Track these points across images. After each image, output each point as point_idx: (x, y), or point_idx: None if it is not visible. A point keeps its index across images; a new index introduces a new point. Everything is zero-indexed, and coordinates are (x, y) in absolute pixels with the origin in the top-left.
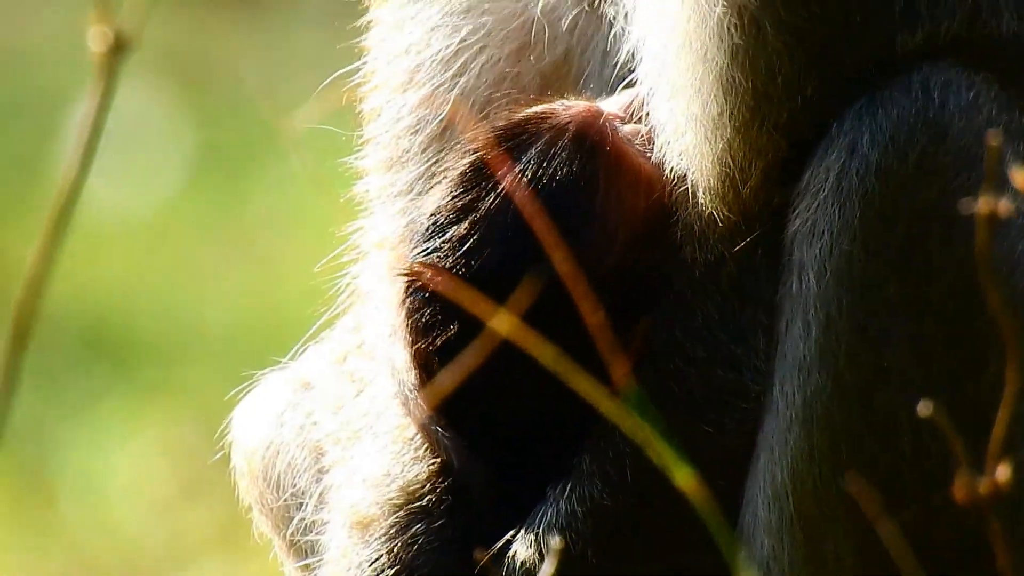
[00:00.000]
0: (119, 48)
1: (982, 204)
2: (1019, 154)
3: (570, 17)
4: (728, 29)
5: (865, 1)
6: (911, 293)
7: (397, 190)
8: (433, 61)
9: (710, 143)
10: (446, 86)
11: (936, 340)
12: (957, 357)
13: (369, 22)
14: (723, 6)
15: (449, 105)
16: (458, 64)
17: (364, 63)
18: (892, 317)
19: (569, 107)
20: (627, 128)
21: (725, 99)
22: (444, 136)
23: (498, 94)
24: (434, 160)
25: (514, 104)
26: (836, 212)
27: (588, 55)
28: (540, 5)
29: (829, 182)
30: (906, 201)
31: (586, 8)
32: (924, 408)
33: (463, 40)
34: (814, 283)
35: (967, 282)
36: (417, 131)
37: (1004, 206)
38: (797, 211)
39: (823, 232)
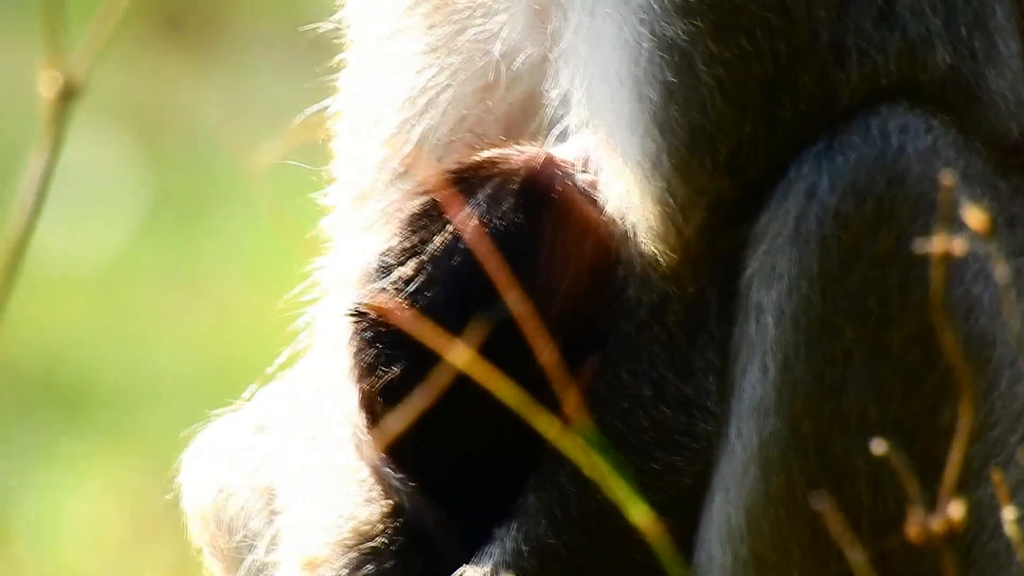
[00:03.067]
0: (69, 93)
1: (936, 244)
2: (976, 198)
3: (529, 58)
4: (659, 65)
5: (791, 37)
6: (869, 338)
7: (360, 227)
8: (399, 99)
9: (649, 182)
10: (411, 123)
11: (894, 385)
12: (915, 402)
13: (323, 66)
14: (652, 42)
15: (412, 144)
16: (423, 102)
17: (325, 105)
18: (850, 362)
19: (521, 152)
20: (579, 175)
21: (661, 137)
22: (408, 174)
23: (462, 132)
24: (397, 197)
25: (470, 148)
26: (794, 256)
27: (551, 97)
28: (500, 47)
29: (787, 226)
30: (864, 246)
31: (546, 50)
32: (878, 446)
33: (429, 79)
34: (772, 327)
35: (925, 327)
36: (381, 168)
37: (959, 246)
38: (755, 254)
39: (782, 276)
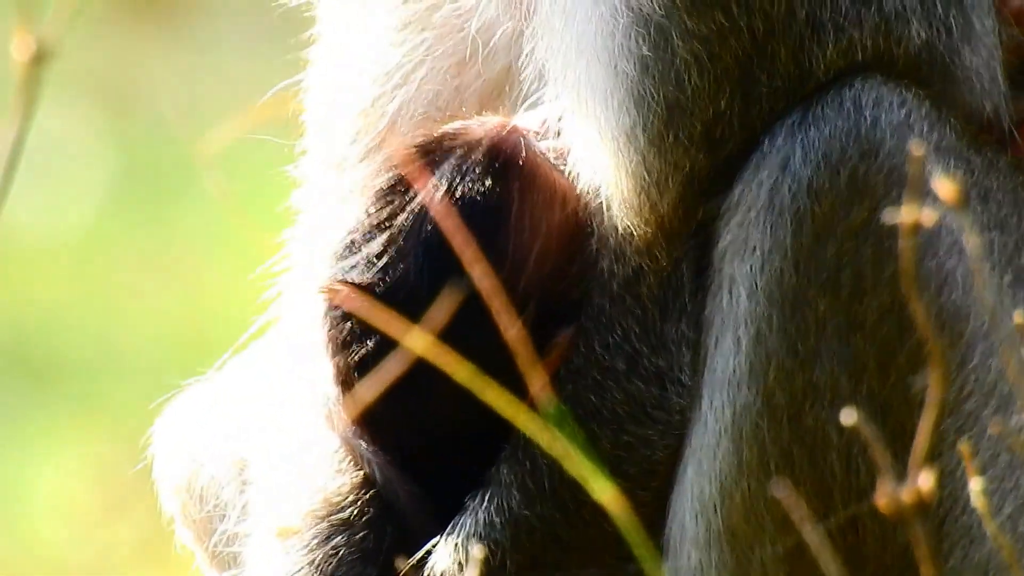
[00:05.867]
0: (41, 58)
1: (906, 215)
2: (949, 171)
3: (506, 34)
4: (635, 40)
5: (768, 12)
6: (842, 311)
7: (332, 200)
8: (373, 74)
9: (624, 156)
10: (385, 98)
11: (866, 358)
12: (888, 375)
13: (297, 40)
14: (628, 17)
15: (386, 119)
16: (398, 77)
17: (296, 79)
18: (823, 334)
19: (484, 123)
20: (542, 143)
21: (637, 111)
22: (381, 148)
23: (436, 108)
24: (370, 172)
25: (434, 121)
26: (768, 229)
27: (527, 71)
28: (476, 23)
29: (761, 198)
30: (838, 219)
31: (522, 25)
32: (847, 416)
33: (403, 54)
34: (745, 299)
35: (897, 300)
36: (355, 142)
37: (928, 217)
38: (728, 226)
39: (754, 248)
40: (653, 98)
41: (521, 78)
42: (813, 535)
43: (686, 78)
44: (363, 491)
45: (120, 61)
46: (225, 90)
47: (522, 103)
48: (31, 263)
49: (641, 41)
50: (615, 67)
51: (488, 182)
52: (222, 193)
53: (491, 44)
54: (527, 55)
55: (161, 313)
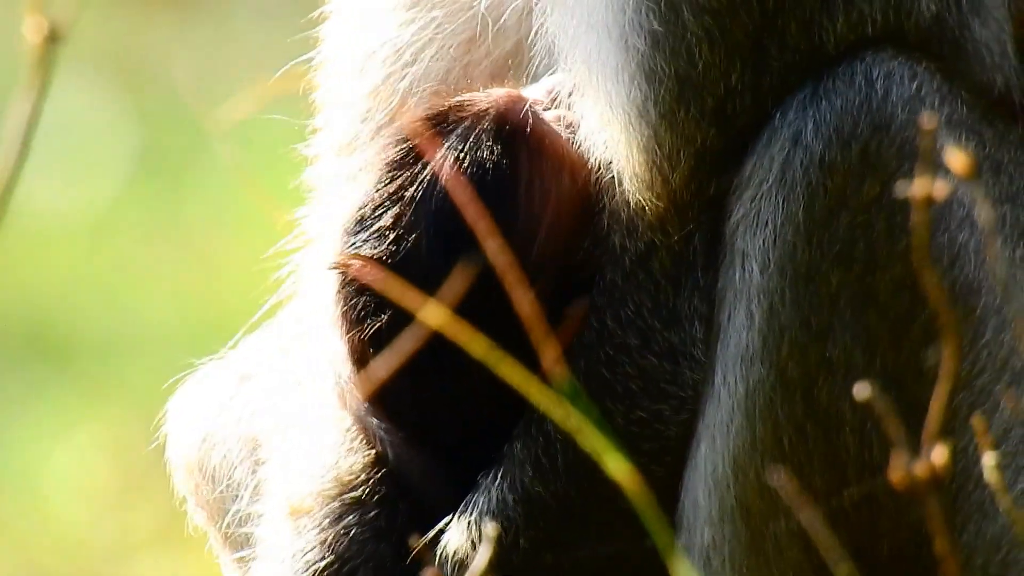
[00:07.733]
0: (54, 38)
1: (917, 188)
2: (961, 144)
3: (516, 10)
4: (645, 14)
5: None
6: (855, 285)
7: (344, 177)
8: (384, 51)
9: (635, 131)
10: (396, 76)
11: (880, 332)
12: (901, 349)
13: (310, 18)
14: None
15: (397, 97)
16: (408, 55)
17: (309, 56)
18: (835, 309)
19: (491, 94)
20: (549, 114)
21: (648, 86)
22: (392, 125)
23: (447, 86)
24: (379, 148)
25: (440, 96)
26: (780, 203)
27: (537, 47)
28: (486, 0)
29: (773, 172)
30: (850, 193)
31: (532, 2)
32: (861, 390)
33: (413, 33)
34: (757, 273)
35: (910, 274)
36: (366, 119)
37: (940, 190)
38: (740, 201)
39: (767, 222)
40: (664, 72)
41: (531, 55)
42: (816, 517)
43: (697, 52)
44: (375, 470)
45: (135, 38)
46: (239, 66)
47: (532, 80)
48: (46, 242)
49: (652, 16)
50: (626, 42)
51: (496, 151)
52: (235, 167)
53: (501, 21)
54: (537, 31)
55: (176, 292)
